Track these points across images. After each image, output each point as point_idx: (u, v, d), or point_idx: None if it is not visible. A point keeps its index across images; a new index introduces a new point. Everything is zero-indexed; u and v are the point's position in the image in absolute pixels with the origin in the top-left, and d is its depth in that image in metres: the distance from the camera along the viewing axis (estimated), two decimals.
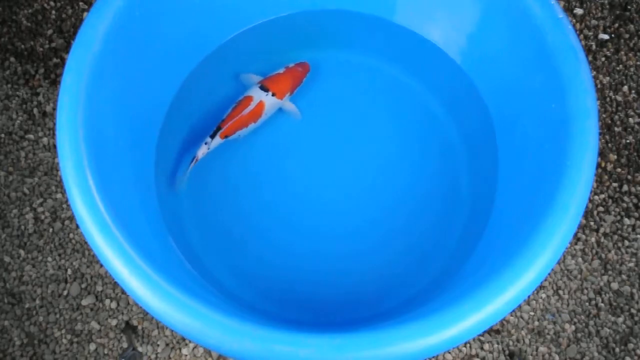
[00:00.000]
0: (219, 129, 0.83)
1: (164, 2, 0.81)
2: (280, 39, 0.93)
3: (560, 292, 0.92)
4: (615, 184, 0.97)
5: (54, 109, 0.99)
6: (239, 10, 0.89)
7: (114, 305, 0.89)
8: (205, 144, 0.83)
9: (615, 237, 0.95)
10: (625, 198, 0.97)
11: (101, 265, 0.90)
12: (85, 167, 0.65)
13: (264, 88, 0.86)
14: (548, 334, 0.90)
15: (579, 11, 1.08)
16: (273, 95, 0.86)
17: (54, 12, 1.05)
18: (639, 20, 1.08)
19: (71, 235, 0.92)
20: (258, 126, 0.87)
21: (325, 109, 0.91)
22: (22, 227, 0.92)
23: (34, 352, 0.87)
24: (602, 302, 0.92)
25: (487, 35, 0.85)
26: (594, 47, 1.06)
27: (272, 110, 0.87)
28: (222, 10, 0.88)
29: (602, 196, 0.97)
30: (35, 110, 0.99)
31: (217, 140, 0.83)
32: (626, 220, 0.96)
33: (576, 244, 0.94)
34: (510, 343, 0.89)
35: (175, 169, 0.85)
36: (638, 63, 1.05)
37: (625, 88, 1.03)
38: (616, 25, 1.07)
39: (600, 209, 0.96)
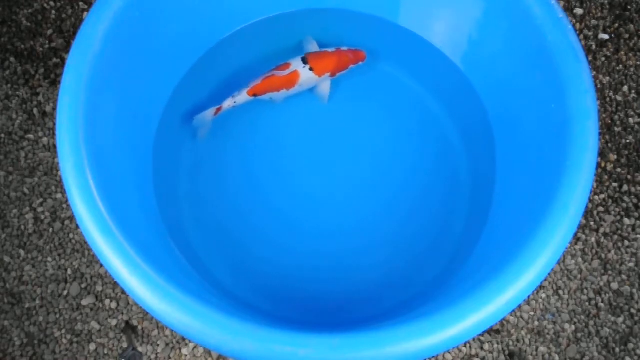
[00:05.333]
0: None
1: (163, 1, 0.81)
2: (279, 37, 0.93)
3: (560, 292, 0.92)
4: (615, 184, 0.97)
5: (54, 109, 0.99)
6: (237, 7, 0.89)
7: (114, 305, 0.89)
8: (232, 96, 0.84)
9: (615, 237, 0.95)
10: (625, 198, 0.97)
11: (101, 265, 0.90)
12: (85, 167, 0.65)
13: (304, 60, 0.86)
14: (548, 334, 0.90)
15: (579, 11, 1.08)
16: (310, 69, 0.86)
17: (54, 12, 1.05)
18: (639, 20, 1.08)
19: (71, 235, 0.92)
20: (291, 95, 0.87)
21: (324, 106, 0.91)
22: (22, 227, 0.92)
23: (34, 352, 0.87)
24: (602, 302, 0.92)
25: (486, 35, 0.85)
26: (594, 47, 1.06)
27: (308, 83, 0.87)
28: (221, 8, 0.88)
29: (602, 196, 0.97)
30: (35, 110, 0.99)
31: (245, 96, 0.84)
32: (626, 220, 0.96)
33: (576, 244, 0.94)
34: (510, 343, 0.89)
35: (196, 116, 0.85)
36: (638, 63, 1.05)
37: (625, 88, 1.03)
38: (616, 25, 1.07)
39: (600, 209, 0.96)
